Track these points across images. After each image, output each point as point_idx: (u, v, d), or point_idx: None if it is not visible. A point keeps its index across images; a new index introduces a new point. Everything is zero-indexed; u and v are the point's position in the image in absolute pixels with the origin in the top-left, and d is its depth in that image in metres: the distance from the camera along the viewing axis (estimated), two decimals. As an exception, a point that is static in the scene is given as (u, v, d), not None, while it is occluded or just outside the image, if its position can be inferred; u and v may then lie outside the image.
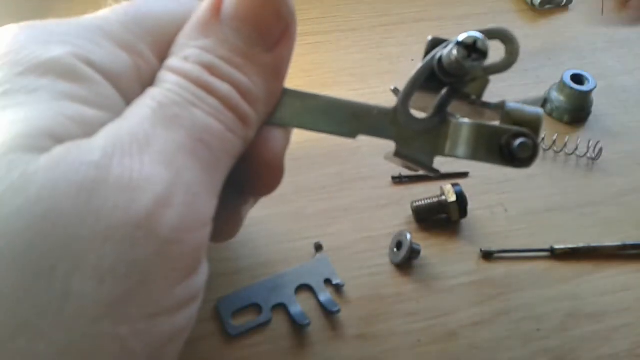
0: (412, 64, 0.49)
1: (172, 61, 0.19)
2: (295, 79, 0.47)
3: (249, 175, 0.23)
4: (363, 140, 0.42)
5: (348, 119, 0.23)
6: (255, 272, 0.34)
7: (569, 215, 0.38)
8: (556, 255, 0.36)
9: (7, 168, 0.15)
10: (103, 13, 0.20)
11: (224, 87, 0.19)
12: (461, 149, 0.23)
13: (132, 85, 0.19)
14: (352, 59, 0.49)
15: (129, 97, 0.19)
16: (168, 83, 0.19)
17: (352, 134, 0.23)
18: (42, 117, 0.16)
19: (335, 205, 0.38)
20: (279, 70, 0.21)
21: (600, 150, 0.42)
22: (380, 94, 0.46)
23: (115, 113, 0.18)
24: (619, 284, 0.35)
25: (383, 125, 0.23)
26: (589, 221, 0.38)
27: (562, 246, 0.36)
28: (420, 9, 0.56)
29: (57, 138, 0.16)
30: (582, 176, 0.41)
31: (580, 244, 0.36)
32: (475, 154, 0.23)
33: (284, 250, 0.35)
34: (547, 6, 0.57)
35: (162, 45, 0.20)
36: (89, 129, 0.17)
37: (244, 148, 0.20)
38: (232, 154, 0.20)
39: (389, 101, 0.49)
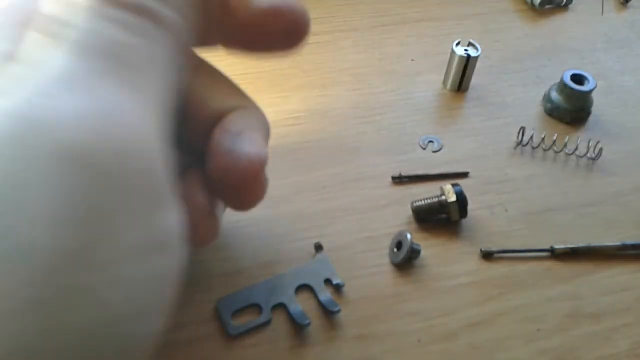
0: (412, 64, 0.49)
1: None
2: (296, 79, 0.47)
3: (224, 191, 0.23)
4: (363, 140, 0.42)
5: None
6: (255, 272, 0.34)
7: (569, 215, 0.39)
8: (556, 255, 0.36)
9: None
10: None
11: None
12: None
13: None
14: (352, 59, 0.49)
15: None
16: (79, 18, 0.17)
17: None
18: None
19: (335, 205, 0.38)
20: None
21: (600, 150, 0.42)
22: (380, 94, 0.46)
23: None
24: (619, 284, 0.35)
25: None
26: (589, 221, 0.38)
27: (562, 246, 0.36)
28: (420, 9, 0.56)
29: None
30: (582, 176, 0.41)
31: (580, 244, 0.36)
32: None
33: (284, 250, 0.35)
34: (547, 6, 0.57)
35: None
36: None
37: (178, 59, 0.19)
38: (163, 67, 0.18)
39: (389, 101, 0.49)
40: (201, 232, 0.23)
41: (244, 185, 0.24)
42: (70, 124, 0.15)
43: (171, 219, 0.18)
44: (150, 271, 0.16)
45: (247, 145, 0.22)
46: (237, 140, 0.22)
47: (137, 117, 0.16)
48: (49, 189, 0.14)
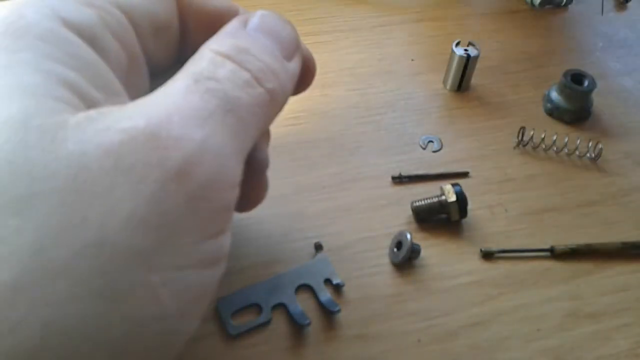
0: (412, 64, 0.49)
1: (209, 43, 0.21)
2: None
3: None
4: (363, 140, 0.42)
5: None
6: (255, 272, 0.34)
7: (569, 215, 0.39)
8: (556, 255, 0.36)
9: (37, 132, 0.16)
10: None
11: (256, 64, 0.21)
12: None
13: (105, 40, 0.20)
14: (352, 59, 0.49)
15: (105, 53, 0.20)
16: (204, 60, 0.20)
17: None
18: (43, 80, 0.17)
19: (335, 205, 0.38)
20: (295, 79, 0.24)
21: (600, 150, 0.42)
22: (380, 94, 0.46)
23: (93, 72, 0.19)
24: (619, 284, 0.35)
25: None
26: (589, 221, 0.38)
27: (562, 246, 0.36)
28: (420, 9, 0.56)
29: (65, 100, 0.17)
30: (582, 176, 0.41)
31: (581, 244, 0.36)
32: None
33: (284, 250, 0.35)
34: (547, 6, 0.57)
35: None
36: (75, 90, 0.18)
37: (269, 123, 0.23)
38: (259, 127, 0.21)
39: (389, 101, 0.49)
40: (262, 187, 0.27)
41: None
42: (177, 146, 0.17)
43: (226, 242, 0.21)
44: (199, 280, 0.19)
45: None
46: None
47: (228, 159, 0.19)
48: (138, 194, 0.16)
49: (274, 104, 0.22)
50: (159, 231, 0.17)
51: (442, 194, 0.37)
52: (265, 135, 0.28)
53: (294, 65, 0.24)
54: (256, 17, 0.23)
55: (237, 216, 0.31)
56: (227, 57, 0.21)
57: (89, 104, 0.18)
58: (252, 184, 0.27)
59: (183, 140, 0.18)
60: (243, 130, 0.20)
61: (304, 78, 0.27)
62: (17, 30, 0.18)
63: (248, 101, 0.20)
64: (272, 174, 0.39)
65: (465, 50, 0.46)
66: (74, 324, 0.15)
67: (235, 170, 0.20)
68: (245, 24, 0.23)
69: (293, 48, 0.24)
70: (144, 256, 0.17)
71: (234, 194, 0.20)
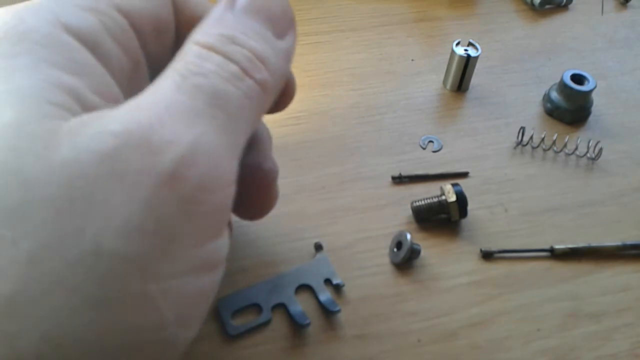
0: (412, 64, 0.49)
1: (194, 35, 0.20)
2: (296, 79, 0.47)
3: (243, 200, 0.25)
4: (363, 140, 0.42)
5: None
6: (255, 272, 0.34)
7: (569, 215, 0.38)
8: (556, 255, 0.36)
9: (30, 139, 0.16)
10: None
11: (244, 53, 0.20)
12: None
13: (106, 45, 0.20)
14: (352, 59, 0.49)
15: (106, 58, 0.20)
16: (190, 54, 0.19)
17: None
18: (39, 85, 0.17)
19: (335, 205, 0.38)
20: (290, 57, 0.22)
21: (600, 150, 0.42)
22: (380, 94, 0.46)
23: (91, 77, 0.19)
24: (619, 284, 0.35)
25: None
26: (589, 221, 0.38)
27: (562, 246, 0.36)
28: (420, 9, 0.56)
29: (61, 105, 0.17)
30: (582, 176, 0.41)
31: (580, 244, 0.36)
32: None
33: (284, 250, 0.35)
34: (547, 6, 0.57)
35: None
36: (73, 95, 0.18)
37: (262, 115, 0.22)
38: (251, 120, 0.20)
39: (389, 101, 0.49)
40: (273, 196, 0.27)
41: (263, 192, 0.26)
42: (168, 150, 0.17)
43: (224, 244, 0.20)
44: (199, 286, 0.19)
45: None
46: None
47: (221, 157, 0.19)
48: (132, 201, 0.16)
49: (266, 94, 0.21)
50: (156, 238, 0.16)
51: (442, 194, 0.37)
52: (268, 141, 0.27)
53: (288, 43, 0.22)
54: None
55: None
56: (213, 49, 0.20)
57: (87, 108, 0.18)
58: (263, 194, 0.26)
59: (174, 143, 0.17)
60: (234, 126, 0.19)
61: (282, 99, 0.26)
62: (16, 35, 0.18)
63: (237, 95, 0.19)
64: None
65: (465, 50, 0.46)
66: (71, 335, 0.15)
67: (229, 168, 0.19)
68: (233, 3, 0.21)
69: (286, 23, 0.22)
70: (141, 264, 0.16)
71: (230, 192, 0.20)
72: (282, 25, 0.22)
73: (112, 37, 0.20)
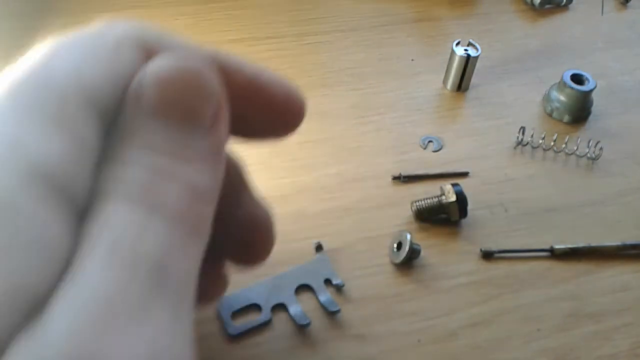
0: (412, 64, 0.49)
1: (111, 183, 0.16)
2: (296, 79, 0.47)
3: (239, 247, 0.24)
4: (363, 140, 0.42)
5: None
6: (255, 272, 0.33)
7: (569, 215, 0.38)
8: (556, 255, 0.36)
9: None
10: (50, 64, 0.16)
11: (171, 199, 0.15)
12: None
13: (78, 191, 0.15)
14: (352, 59, 0.49)
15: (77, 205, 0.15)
16: (115, 215, 0.15)
17: None
18: None
19: (335, 205, 0.38)
20: (220, 149, 0.18)
21: (601, 150, 0.42)
22: (380, 94, 0.46)
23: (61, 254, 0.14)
24: (619, 284, 0.35)
25: None
26: (589, 221, 0.38)
27: (562, 246, 0.36)
28: (420, 9, 0.56)
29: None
30: (582, 176, 0.41)
31: (580, 244, 0.36)
32: None
33: (284, 250, 0.35)
34: (547, 6, 0.57)
35: (101, 110, 0.16)
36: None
37: (204, 247, 0.17)
38: (192, 278, 0.16)
39: (389, 101, 0.49)
40: (212, 291, 0.25)
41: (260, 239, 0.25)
42: None
43: None
44: None
45: None
46: None
47: (180, 349, 0.15)
48: None
49: (204, 232, 0.17)
50: None
51: (442, 194, 0.37)
52: (244, 187, 0.24)
53: (213, 140, 0.17)
54: (147, 87, 0.16)
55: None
56: (141, 202, 0.15)
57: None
58: (264, 238, 0.24)
59: (128, 356, 0.13)
60: (182, 294, 0.15)
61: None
62: None
63: (178, 253, 0.15)
64: (272, 174, 0.39)
65: (465, 50, 0.46)
66: None
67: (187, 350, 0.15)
68: (139, 102, 0.16)
69: (206, 112, 0.16)
70: None
71: None
72: (206, 113, 0.17)
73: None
